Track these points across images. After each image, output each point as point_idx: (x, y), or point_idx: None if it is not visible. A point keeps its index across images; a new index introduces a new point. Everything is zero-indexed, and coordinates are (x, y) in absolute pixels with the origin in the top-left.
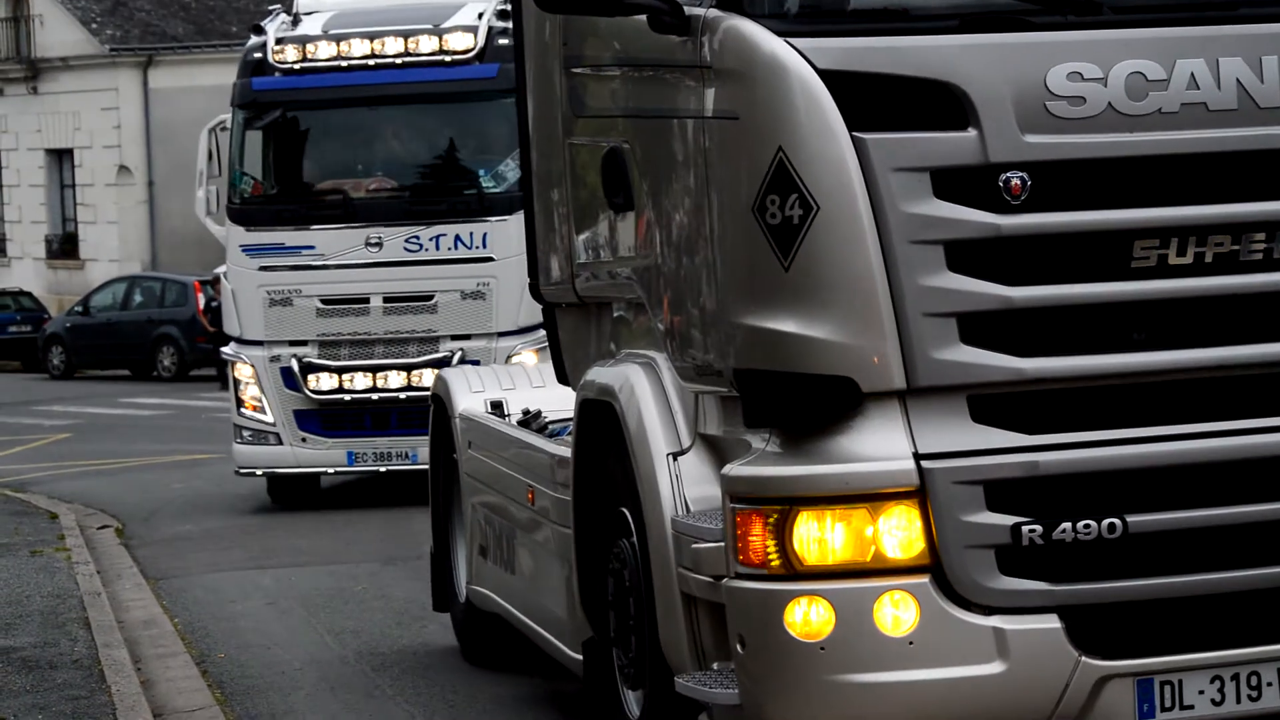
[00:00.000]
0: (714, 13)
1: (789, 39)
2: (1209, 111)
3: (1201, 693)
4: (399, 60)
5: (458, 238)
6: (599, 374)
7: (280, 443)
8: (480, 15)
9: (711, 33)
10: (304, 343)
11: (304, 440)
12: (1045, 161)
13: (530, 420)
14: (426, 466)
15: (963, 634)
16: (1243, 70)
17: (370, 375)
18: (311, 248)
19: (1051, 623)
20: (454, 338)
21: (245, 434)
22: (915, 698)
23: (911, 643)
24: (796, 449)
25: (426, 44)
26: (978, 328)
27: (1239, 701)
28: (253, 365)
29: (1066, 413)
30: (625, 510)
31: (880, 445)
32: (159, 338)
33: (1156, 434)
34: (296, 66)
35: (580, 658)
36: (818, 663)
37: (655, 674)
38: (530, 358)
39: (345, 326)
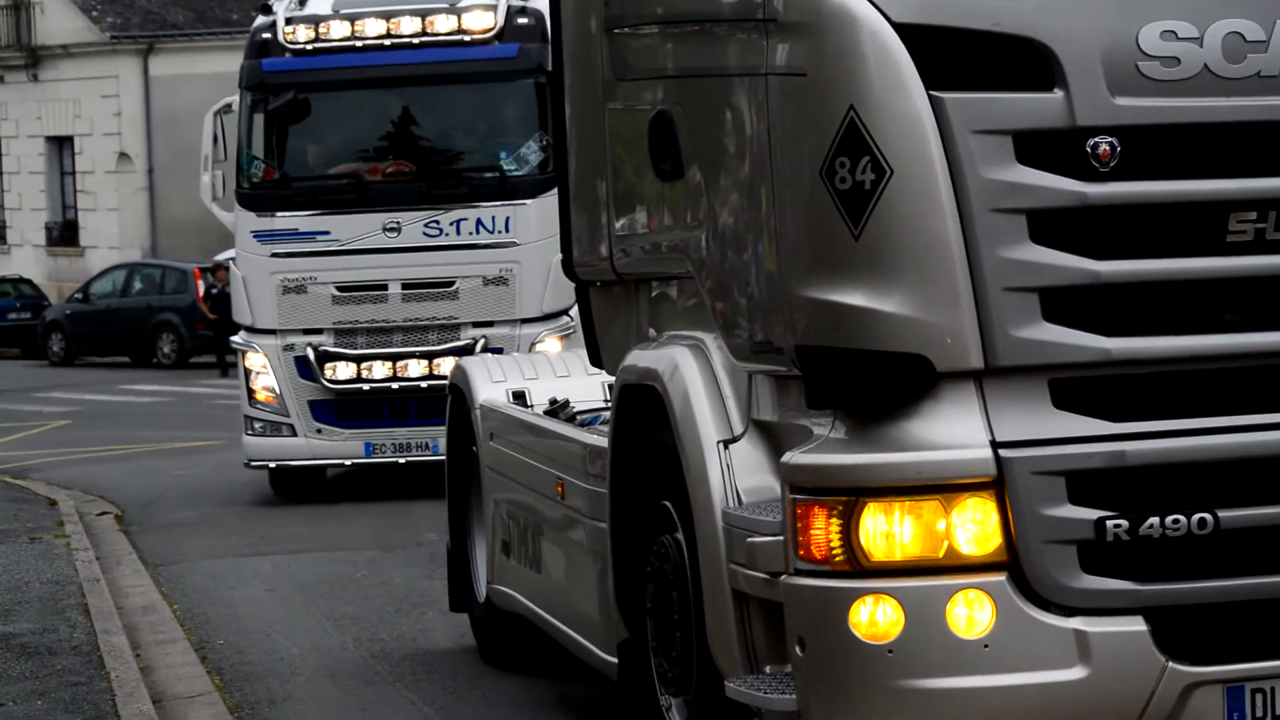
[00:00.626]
0: None
1: None
2: None
3: None
4: (416, 40)
5: (479, 222)
6: (641, 357)
7: (294, 434)
8: None
9: None
10: (319, 331)
11: (319, 431)
12: (1136, 126)
13: (558, 410)
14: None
15: (1042, 637)
16: None
17: (389, 364)
18: (326, 233)
19: (1137, 625)
20: (476, 325)
21: (256, 425)
22: (990, 705)
23: (987, 646)
24: (864, 435)
25: (444, 23)
26: (1062, 304)
27: None
28: (265, 354)
29: (1155, 398)
30: (669, 503)
31: (955, 431)
32: (159, 325)
33: (1251, 423)
34: (309, 47)
35: (615, 661)
36: (885, 667)
37: (702, 679)
38: (555, 345)
39: (362, 314)
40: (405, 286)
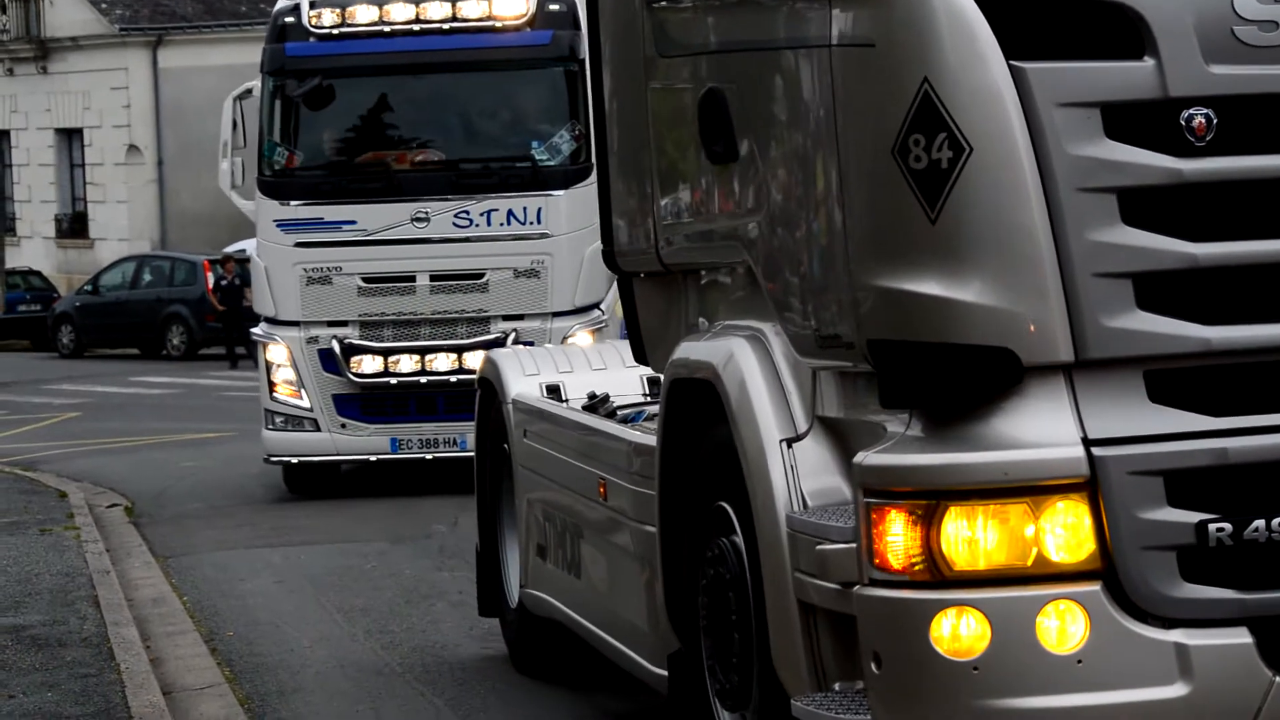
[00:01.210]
0: None
1: None
2: None
3: None
4: (445, 26)
5: (510, 212)
6: (693, 349)
7: (317, 429)
8: None
9: None
10: (344, 323)
11: (343, 426)
12: (1233, 96)
13: (597, 405)
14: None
15: (1139, 651)
16: None
17: (417, 358)
18: (352, 223)
19: (1242, 637)
20: (506, 318)
21: (277, 420)
22: None
23: (1080, 661)
24: (944, 433)
25: (473, 9)
26: (1157, 290)
27: None
28: (287, 347)
29: (1259, 391)
30: (726, 505)
31: (1044, 429)
32: (168, 317)
33: None
34: (335, 32)
35: (664, 674)
36: (969, 685)
37: (764, 695)
38: (587, 339)
39: (389, 306)
40: (434, 278)
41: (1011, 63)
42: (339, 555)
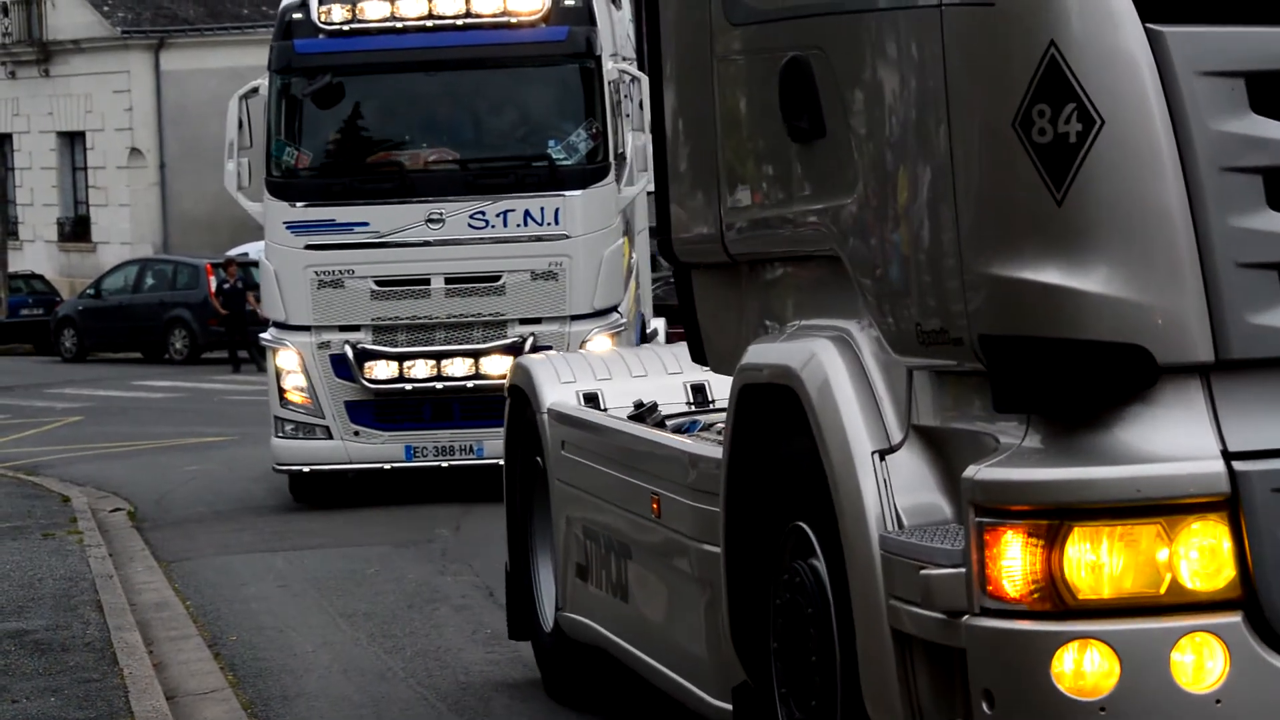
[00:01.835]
0: None
1: None
2: None
3: None
4: (459, 22)
5: (527, 213)
6: (767, 351)
7: (329, 437)
8: None
9: None
10: (356, 328)
11: (356, 434)
12: None
13: (644, 414)
14: (493, 461)
15: None
16: None
17: (432, 363)
18: (365, 224)
19: None
20: (523, 321)
21: (287, 427)
22: None
23: (1219, 701)
24: (1066, 444)
25: (488, 4)
26: None
27: None
28: (298, 352)
29: None
30: (804, 524)
31: (1179, 440)
32: (170, 320)
33: None
34: (345, 28)
35: (727, 707)
36: None
37: None
38: (606, 343)
39: (403, 310)
40: (449, 281)
41: (1148, 25)
42: (342, 560)
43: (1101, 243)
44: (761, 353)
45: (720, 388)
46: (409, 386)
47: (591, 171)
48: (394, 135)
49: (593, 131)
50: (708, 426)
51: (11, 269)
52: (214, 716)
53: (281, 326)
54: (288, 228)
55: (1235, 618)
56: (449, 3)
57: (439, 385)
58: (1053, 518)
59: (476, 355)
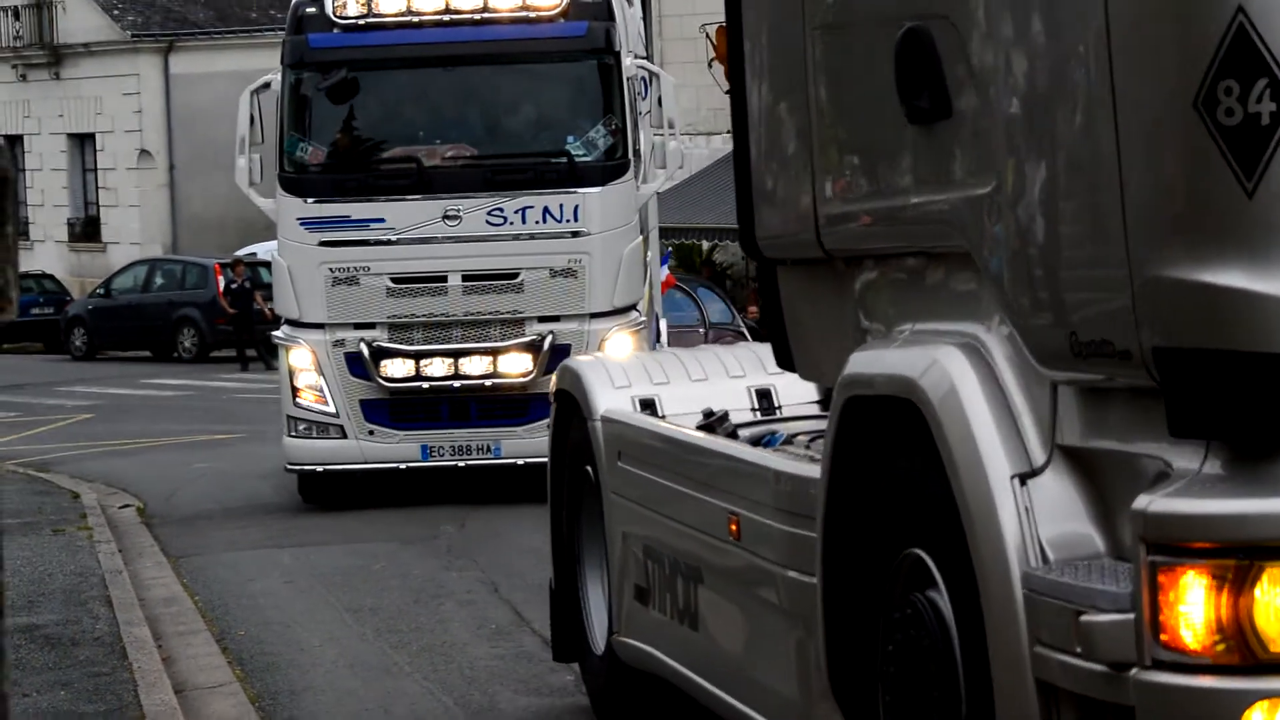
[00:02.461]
0: None
1: None
2: None
3: None
4: (476, 16)
5: (546, 210)
6: (878, 359)
7: (344, 436)
8: None
9: None
10: (371, 325)
11: (371, 433)
12: None
13: (715, 423)
14: (510, 461)
15: None
16: None
17: (449, 361)
18: (381, 221)
19: None
20: (541, 319)
21: (300, 426)
22: None
23: None
24: (1254, 472)
25: None
26: None
27: None
28: (312, 350)
29: None
30: (922, 553)
31: None
32: (179, 320)
33: None
34: (360, 22)
35: None
36: None
37: None
38: (627, 341)
39: (419, 308)
40: (466, 278)
41: None
42: (348, 556)
43: None
44: (871, 361)
45: (788, 393)
46: (425, 385)
47: (611, 168)
48: (410, 131)
49: (612, 128)
50: (790, 439)
51: (22, 269)
52: (222, 710)
53: (295, 324)
54: (301, 224)
55: None
56: None
57: (456, 384)
58: (1241, 557)
59: (494, 353)
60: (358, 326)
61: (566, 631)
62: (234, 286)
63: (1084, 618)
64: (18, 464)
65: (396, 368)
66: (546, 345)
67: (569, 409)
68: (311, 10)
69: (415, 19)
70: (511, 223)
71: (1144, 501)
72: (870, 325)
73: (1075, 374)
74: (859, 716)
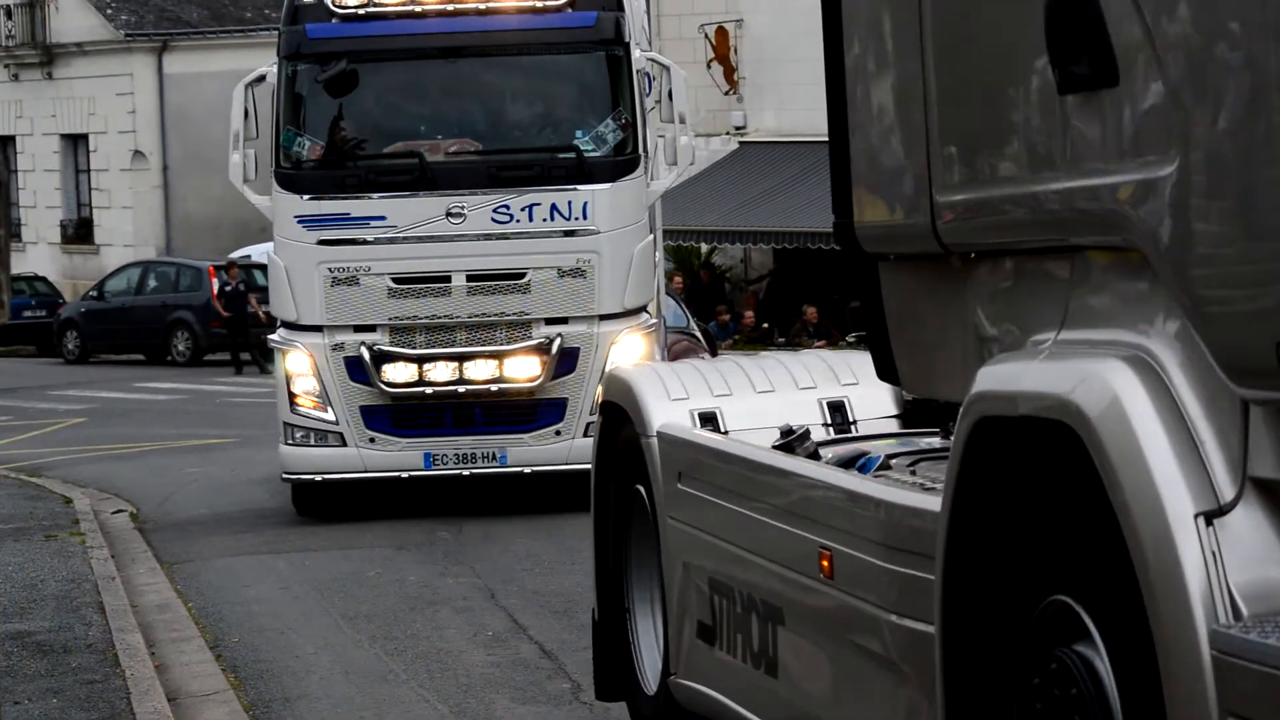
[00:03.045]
0: None
1: None
2: None
3: None
4: (481, 6)
5: (554, 207)
6: (1020, 374)
7: (343, 444)
8: None
9: None
10: (372, 328)
11: (372, 440)
12: None
13: (795, 442)
14: (516, 469)
15: None
16: None
17: (453, 365)
18: (382, 218)
19: None
20: (549, 321)
21: (297, 434)
22: None
23: None
24: None
25: None
26: None
27: None
28: (310, 354)
29: None
30: (1072, 601)
31: None
32: (173, 323)
33: None
34: (360, 12)
35: None
36: None
37: None
38: (639, 343)
39: (422, 309)
40: (470, 278)
41: None
42: (343, 561)
43: None
44: (1010, 376)
45: (861, 406)
46: (429, 390)
47: (621, 164)
48: (412, 125)
49: (622, 122)
50: (885, 464)
51: (15, 271)
52: (215, 718)
53: (291, 327)
54: (299, 222)
55: None
56: None
57: (460, 389)
58: None
59: (500, 357)
60: (358, 329)
61: (612, 668)
62: (228, 289)
63: None
64: (9, 469)
65: (398, 372)
66: (554, 348)
67: (617, 421)
68: (308, 0)
69: (417, 9)
70: (518, 221)
71: None
72: (996, 333)
73: (1277, 393)
74: None
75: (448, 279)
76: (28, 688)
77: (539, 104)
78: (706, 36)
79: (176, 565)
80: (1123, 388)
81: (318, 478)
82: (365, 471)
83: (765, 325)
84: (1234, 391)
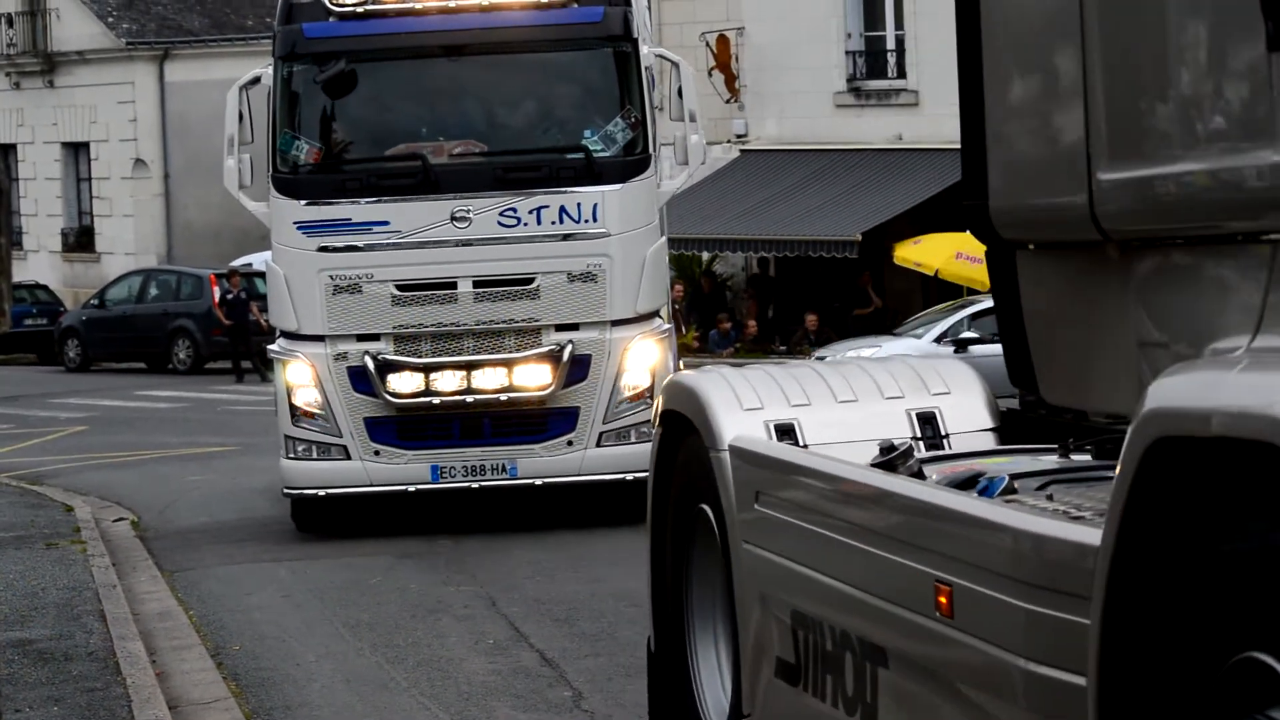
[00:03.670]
0: None
1: None
2: None
3: None
4: (484, 2)
5: (563, 209)
6: (1212, 386)
7: (347, 457)
8: None
9: None
10: (376, 337)
11: (377, 453)
12: None
13: (897, 460)
14: (527, 481)
15: None
16: None
17: (461, 374)
18: (385, 223)
19: None
20: (559, 328)
21: (299, 448)
22: None
23: None
24: None
25: None
26: None
27: None
28: (311, 364)
29: None
30: (1272, 660)
31: None
32: (174, 331)
33: None
34: (359, 10)
35: None
36: None
37: None
38: (654, 349)
39: (427, 317)
40: (477, 284)
41: None
42: (345, 570)
43: None
44: (1198, 389)
45: (955, 418)
46: (435, 400)
47: (631, 164)
48: (415, 126)
49: (632, 120)
50: (1008, 489)
51: (16, 279)
52: None
53: (292, 336)
54: (298, 228)
55: None
56: None
57: (468, 399)
58: None
59: (509, 365)
60: (361, 338)
61: (670, 703)
62: (229, 297)
63: None
64: (11, 477)
65: (404, 382)
66: (565, 355)
67: (678, 433)
68: None
69: (417, 6)
70: (525, 224)
71: None
72: (1162, 337)
73: None
74: None
75: (454, 285)
76: (29, 696)
77: (545, 103)
78: (708, 45)
79: (177, 573)
80: None
81: (320, 492)
82: (370, 485)
83: (752, 323)
84: None
